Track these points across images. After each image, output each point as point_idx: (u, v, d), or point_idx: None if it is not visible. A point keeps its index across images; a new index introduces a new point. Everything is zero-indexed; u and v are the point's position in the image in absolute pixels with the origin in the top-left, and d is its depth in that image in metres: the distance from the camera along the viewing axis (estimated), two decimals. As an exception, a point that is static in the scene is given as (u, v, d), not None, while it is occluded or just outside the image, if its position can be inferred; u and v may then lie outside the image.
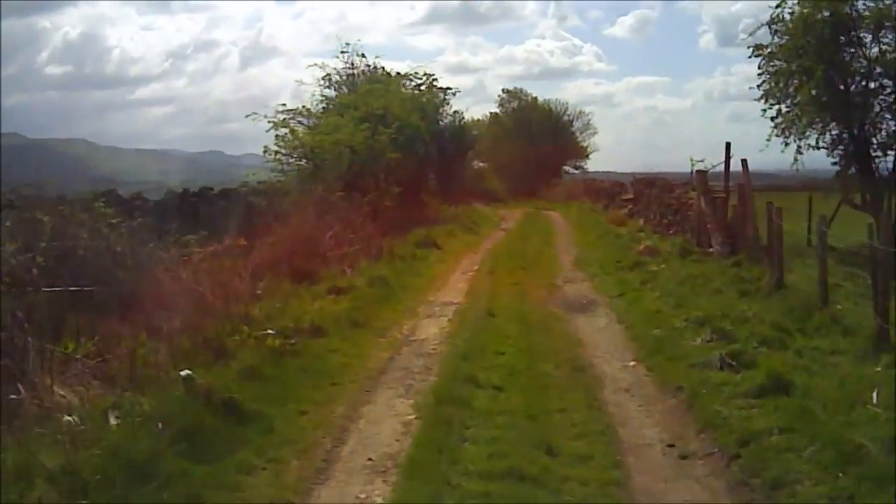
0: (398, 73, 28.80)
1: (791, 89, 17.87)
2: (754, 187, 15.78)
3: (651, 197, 22.19)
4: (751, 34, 18.64)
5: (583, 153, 59.06)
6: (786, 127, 17.98)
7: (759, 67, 18.16)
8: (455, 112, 34.70)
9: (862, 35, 17.58)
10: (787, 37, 17.79)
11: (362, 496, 5.37)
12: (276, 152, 21.47)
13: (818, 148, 18.07)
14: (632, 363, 8.49)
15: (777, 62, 17.98)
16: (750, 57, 18.41)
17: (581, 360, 8.57)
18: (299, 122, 23.23)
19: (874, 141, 18.18)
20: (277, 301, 10.96)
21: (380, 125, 22.62)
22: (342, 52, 27.51)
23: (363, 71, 27.72)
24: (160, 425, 5.99)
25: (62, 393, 7.12)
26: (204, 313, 10.14)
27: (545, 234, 24.67)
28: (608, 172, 54.65)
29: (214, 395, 6.81)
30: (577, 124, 58.86)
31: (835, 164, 18.55)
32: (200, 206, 18.86)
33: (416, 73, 29.55)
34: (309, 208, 16.27)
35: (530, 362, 8.37)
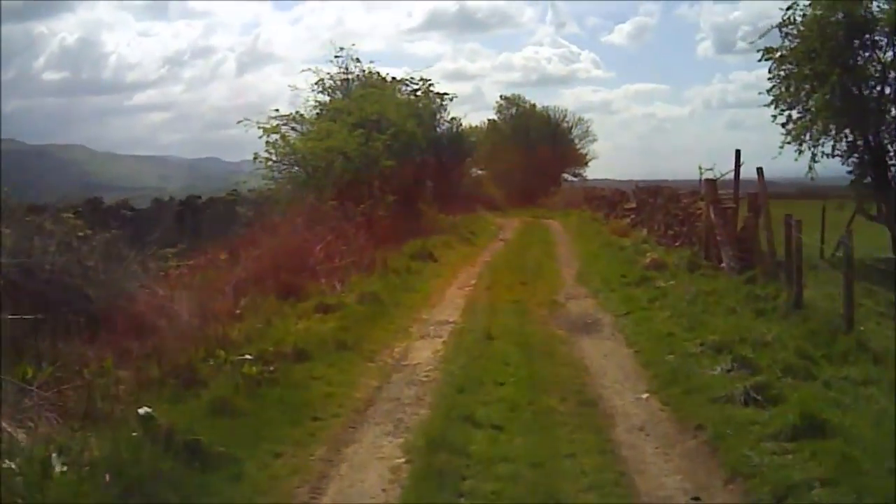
0: (394, 78, 28.02)
1: (802, 94, 17.13)
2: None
3: (655, 206, 21.42)
4: (761, 36, 17.96)
5: (582, 160, 58.44)
6: (799, 134, 17.22)
7: (769, 71, 17.47)
8: (452, 119, 34.06)
9: (877, 38, 16.83)
10: (798, 40, 17.04)
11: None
12: (267, 159, 20.77)
13: (833, 156, 17.32)
14: (645, 395, 7.68)
15: (788, 66, 17.22)
16: (760, 60, 17.77)
17: (589, 392, 7.76)
18: (292, 129, 22.50)
19: (890, 149, 17.41)
20: (259, 321, 10.20)
21: (374, 131, 21.88)
22: (336, 56, 26.80)
23: (358, 76, 26.96)
24: (107, 477, 5.20)
25: (9, 430, 6.35)
26: (178, 335, 9.39)
27: (545, 245, 23.88)
28: (606, 180, 54.15)
29: (176, 436, 6.01)
30: (576, 131, 58.22)
31: (850, 172, 17.80)
32: (186, 216, 18.16)
33: (412, 78, 28.80)
34: (299, 218, 15.52)
35: (533, 395, 7.55)
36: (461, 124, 35.60)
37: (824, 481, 5.32)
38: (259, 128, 20.58)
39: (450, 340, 10.26)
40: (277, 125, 21.45)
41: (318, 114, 24.52)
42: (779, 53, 17.37)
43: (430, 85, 29.30)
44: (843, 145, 17.43)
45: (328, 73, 26.50)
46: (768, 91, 17.67)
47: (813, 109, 17.04)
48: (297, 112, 23.36)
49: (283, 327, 10.04)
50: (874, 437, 6.08)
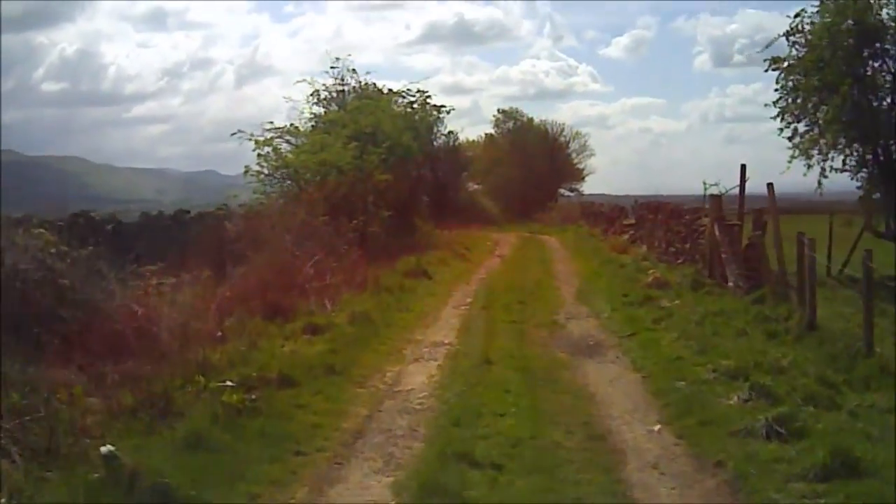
0: (390, 90, 27.52)
1: (810, 106, 16.60)
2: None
3: (656, 222, 20.90)
4: (767, 46, 17.43)
5: (579, 175, 57.90)
6: (807, 148, 16.69)
7: (776, 82, 16.91)
8: (449, 132, 33.60)
9: (888, 47, 16.30)
10: (806, 49, 16.53)
11: None
12: (258, 173, 20.27)
13: (843, 171, 16.76)
14: (657, 427, 7.09)
15: (796, 76, 16.70)
16: (766, 70, 17.21)
17: (596, 424, 7.16)
18: (287, 141, 22.01)
19: (901, 164, 16.86)
20: (243, 343, 9.63)
21: (369, 144, 21.43)
22: (332, 67, 26.37)
23: (354, 87, 26.52)
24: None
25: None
26: (156, 358, 8.81)
27: (543, 262, 23.28)
28: (603, 195, 53.70)
29: (142, 478, 5.42)
30: (573, 145, 57.76)
31: (859, 187, 17.25)
32: (173, 231, 17.54)
33: (408, 90, 28.24)
34: (289, 234, 14.95)
35: (535, 428, 6.95)
36: (458, 138, 35.13)
37: (863, 531, 4.76)
38: (252, 140, 20.15)
39: (445, 364, 9.67)
40: (271, 138, 21.02)
41: (312, 126, 24.07)
42: (786, 63, 16.84)
43: (426, 97, 28.80)
44: (852, 160, 16.85)
45: (323, 84, 26.11)
46: (774, 103, 17.15)
47: (821, 122, 16.50)
48: (291, 124, 22.93)
49: (269, 350, 9.50)
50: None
